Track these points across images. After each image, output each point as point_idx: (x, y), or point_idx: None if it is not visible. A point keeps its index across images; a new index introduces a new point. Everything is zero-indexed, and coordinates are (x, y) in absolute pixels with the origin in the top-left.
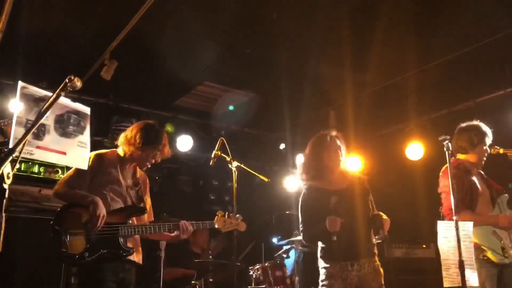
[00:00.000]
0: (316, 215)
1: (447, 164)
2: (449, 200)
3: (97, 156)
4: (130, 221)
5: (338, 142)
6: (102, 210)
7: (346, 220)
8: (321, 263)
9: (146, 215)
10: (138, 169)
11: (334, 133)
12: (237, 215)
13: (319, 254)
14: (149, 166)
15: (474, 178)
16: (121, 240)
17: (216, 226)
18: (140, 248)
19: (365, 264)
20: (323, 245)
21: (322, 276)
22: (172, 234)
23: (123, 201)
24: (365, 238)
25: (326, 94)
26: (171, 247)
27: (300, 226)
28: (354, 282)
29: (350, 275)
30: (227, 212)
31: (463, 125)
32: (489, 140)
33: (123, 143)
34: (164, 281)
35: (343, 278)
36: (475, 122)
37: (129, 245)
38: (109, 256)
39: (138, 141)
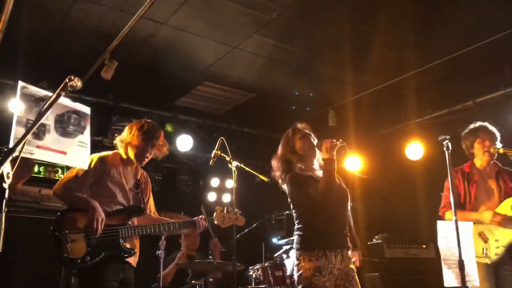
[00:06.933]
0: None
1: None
2: (444, 199)
3: (100, 159)
4: (130, 222)
5: (306, 130)
6: (101, 214)
7: (336, 205)
8: (302, 257)
9: (154, 213)
10: (140, 170)
11: (299, 124)
12: (236, 209)
13: (297, 246)
14: (147, 159)
15: (475, 183)
16: (121, 241)
17: (216, 222)
18: (137, 251)
19: (346, 257)
20: (301, 233)
21: (304, 273)
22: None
23: (127, 203)
24: (344, 230)
25: (326, 94)
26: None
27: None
28: (338, 275)
29: (334, 268)
30: (225, 207)
31: (462, 134)
32: (480, 132)
33: (121, 141)
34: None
35: (329, 272)
36: (468, 128)
37: (129, 246)
38: (111, 258)
39: (134, 135)
